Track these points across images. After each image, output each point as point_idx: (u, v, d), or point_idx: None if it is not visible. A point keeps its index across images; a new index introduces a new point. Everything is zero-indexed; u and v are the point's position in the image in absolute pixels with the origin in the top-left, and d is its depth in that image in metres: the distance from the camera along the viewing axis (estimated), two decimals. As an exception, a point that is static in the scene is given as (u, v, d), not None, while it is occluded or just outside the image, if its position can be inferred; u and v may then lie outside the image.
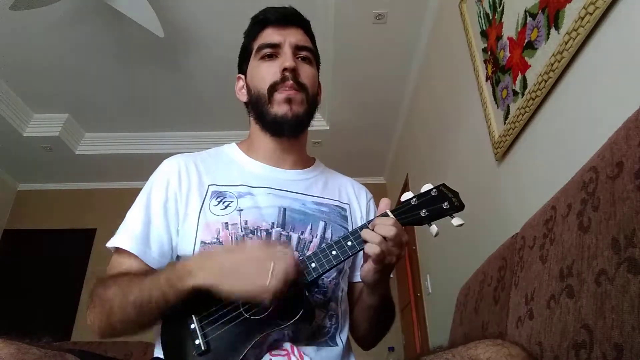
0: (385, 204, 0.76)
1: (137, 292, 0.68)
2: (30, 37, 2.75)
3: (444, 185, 0.77)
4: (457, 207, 0.75)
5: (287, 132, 0.89)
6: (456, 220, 0.74)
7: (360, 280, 0.90)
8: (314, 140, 3.56)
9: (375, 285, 0.78)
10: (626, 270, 0.50)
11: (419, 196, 0.76)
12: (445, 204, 0.74)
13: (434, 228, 0.74)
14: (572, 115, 1.05)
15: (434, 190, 0.76)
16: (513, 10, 1.31)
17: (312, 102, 0.91)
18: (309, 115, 0.91)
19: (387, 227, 0.70)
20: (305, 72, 0.90)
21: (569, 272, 0.64)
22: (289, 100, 0.86)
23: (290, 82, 0.86)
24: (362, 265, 0.76)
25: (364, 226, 0.73)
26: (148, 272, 0.76)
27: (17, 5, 2.20)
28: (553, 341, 0.63)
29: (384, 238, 0.69)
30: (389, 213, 0.74)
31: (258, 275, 0.62)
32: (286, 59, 0.87)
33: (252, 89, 0.91)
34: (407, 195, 0.76)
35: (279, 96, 0.86)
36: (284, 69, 0.86)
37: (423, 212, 0.74)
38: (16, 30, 2.67)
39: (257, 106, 0.90)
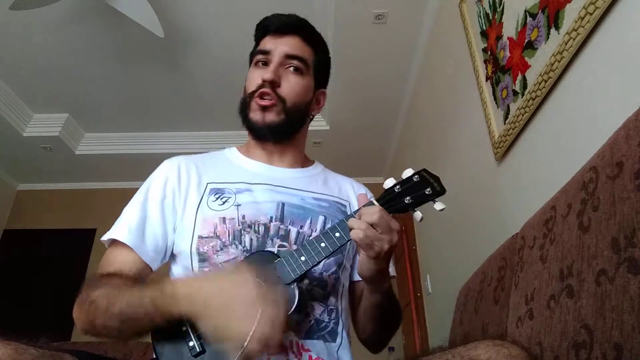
0: (364, 196, 0.77)
1: (123, 304, 0.66)
2: (30, 37, 2.75)
3: (425, 170, 0.78)
4: (439, 191, 0.76)
5: (263, 137, 0.92)
6: (438, 205, 0.75)
7: (360, 279, 0.91)
8: (314, 140, 3.56)
9: (374, 280, 0.77)
10: (626, 270, 0.50)
11: (402, 183, 0.77)
12: (428, 189, 0.75)
13: (418, 214, 0.75)
14: (572, 115, 1.05)
15: (415, 176, 0.77)
16: (513, 10, 1.31)
17: (291, 112, 0.91)
18: (286, 124, 0.91)
19: (371, 214, 0.70)
20: (290, 83, 0.91)
21: (569, 272, 0.64)
22: (263, 108, 0.89)
23: (266, 89, 0.88)
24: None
25: (350, 216, 0.74)
26: (137, 280, 0.74)
27: (17, 5, 2.20)
28: (553, 341, 0.63)
29: (371, 225, 0.70)
30: (375, 202, 0.75)
31: (243, 319, 0.56)
32: (267, 70, 0.90)
33: (243, 92, 0.95)
34: (389, 183, 0.77)
35: (254, 104, 0.90)
36: (263, 80, 0.89)
37: (407, 200, 0.75)
38: (16, 30, 2.67)
39: (241, 109, 0.94)
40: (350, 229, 0.71)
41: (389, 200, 0.75)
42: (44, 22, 2.61)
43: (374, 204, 0.74)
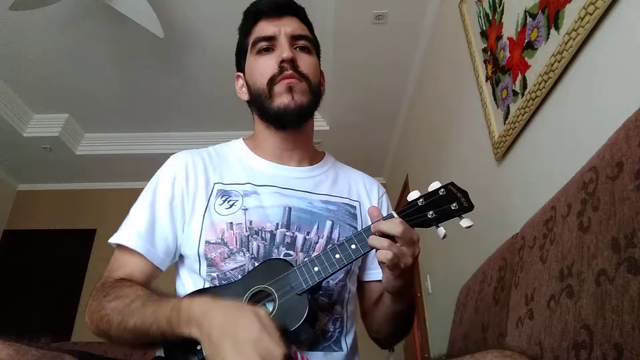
0: (376, 209, 0.74)
1: (137, 320, 0.66)
2: (30, 37, 2.75)
3: (452, 184, 0.73)
4: (467, 207, 0.71)
5: (291, 122, 0.86)
6: (465, 222, 0.70)
7: (373, 279, 0.90)
8: (314, 140, 3.55)
9: (400, 293, 0.75)
10: (626, 270, 0.50)
11: (426, 196, 0.72)
12: (454, 204, 0.71)
13: (441, 230, 0.71)
14: (572, 116, 1.05)
15: (442, 189, 0.72)
16: (513, 10, 1.31)
17: (315, 92, 0.87)
18: (313, 104, 0.87)
19: (392, 227, 0.67)
20: (305, 62, 0.86)
21: (569, 272, 0.64)
22: (289, 89, 0.82)
23: (290, 72, 0.82)
24: (382, 276, 0.73)
25: (368, 229, 0.71)
26: (148, 290, 0.74)
27: (17, 5, 2.20)
28: (553, 341, 0.63)
29: (392, 238, 0.66)
30: (395, 214, 0.72)
31: (237, 357, 0.55)
32: (283, 50, 0.84)
33: (251, 85, 0.88)
34: (413, 195, 0.73)
35: (279, 87, 0.83)
36: (282, 61, 0.83)
37: (430, 214, 0.71)
38: (16, 30, 2.67)
39: (258, 102, 0.87)
40: (372, 248, 0.68)
41: (411, 213, 0.71)
42: (44, 22, 2.61)
43: (393, 217, 0.70)
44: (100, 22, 2.65)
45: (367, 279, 0.92)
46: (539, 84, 1.13)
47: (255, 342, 0.55)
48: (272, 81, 0.83)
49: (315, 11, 0.90)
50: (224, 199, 0.83)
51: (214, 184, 0.86)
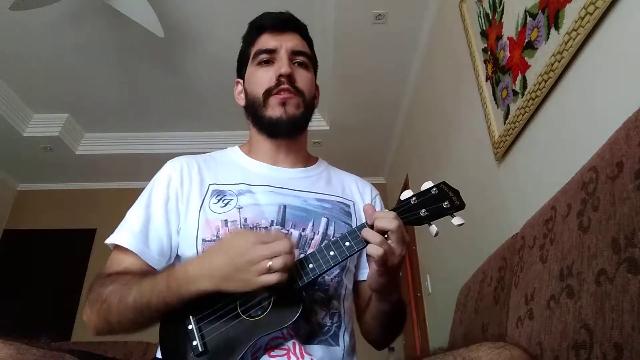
0: (371, 207, 0.75)
1: (136, 294, 0.68)
2: (30, 37, 2.75)
3: (444, 183, 0.75)
4: (458, 206, 0.73)
5: (282, 133, 0.91)
6: (457, 220, 0.73)
7: (366, 279, 0.91)
8: (314, 140, 3.56)
9: (384, 291, 0.76)
10: (626, 270, 0.50)
11: (419, 195, 0.74)
12: (446, 203, 0.73)
13: (433, 228, 0.73)
14: (572, 115, 1.05)
15: (434, 188, 0.74)
16: (513, 10, 1.31)
17: (308, 106, 0.93)
18: (305, 118, 0.92)
19: (388, 219, 0.68)
20: (302, 77, 0.91)
21: (569, 272, 0.64)
22: (283, 103, 0.88)
23: (286, 85, 0.88)
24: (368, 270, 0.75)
25: (362, 226, 0.72)
26: (146, 273, 0.76)
27: (17, 5, 2.20)
28: (553, 341, 0.63)
29: (385, 233, 0.68)
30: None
31: (258, 275, 0.62)
32: (282, 65, 0.89)
33: (249, 93, 0.93)
34: (406, 194, 0.75)
35: (274, 100, 0.88)
36: (280, 75, 0.88)
37: (423, 212, 0.72)
38: (16, 30, 2.67)
39: (253, 109, 0.92)
40: (366, 242, 0.69)
41: (404, 211, 0.73)
42: (44, 22, 2.61)
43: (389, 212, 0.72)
44: (100, 22, 2.65)
45: (360, 278, 0.93)
46: (539, 83, 1.14)
47: (259, 244, 0.63)
48: (268, 93, 0.89)
49: (315, 11, 0.92)
50: (218, 198, 0.85)
51: (209, 184, 0.88)
